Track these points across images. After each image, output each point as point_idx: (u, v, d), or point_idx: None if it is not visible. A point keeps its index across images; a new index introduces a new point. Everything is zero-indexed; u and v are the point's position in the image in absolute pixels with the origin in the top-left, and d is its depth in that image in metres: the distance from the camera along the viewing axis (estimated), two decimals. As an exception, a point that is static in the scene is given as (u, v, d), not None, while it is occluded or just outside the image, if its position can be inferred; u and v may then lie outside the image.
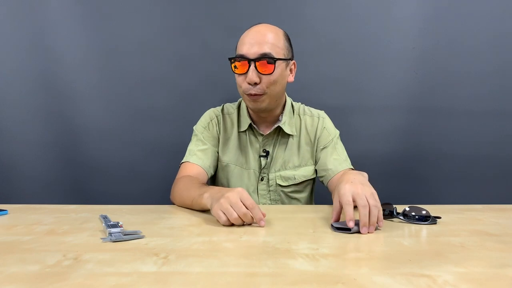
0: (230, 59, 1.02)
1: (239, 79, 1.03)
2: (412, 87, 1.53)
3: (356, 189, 0.74)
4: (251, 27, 1.04)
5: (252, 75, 0.98)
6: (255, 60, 0.98)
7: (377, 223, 0.72)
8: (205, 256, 0.55)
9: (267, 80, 1.00)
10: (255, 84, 1.00)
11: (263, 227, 0.75)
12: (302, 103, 1.23)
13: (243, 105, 1.16)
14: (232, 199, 0.74)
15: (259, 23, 1.05)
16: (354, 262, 0.54)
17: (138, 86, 1.50)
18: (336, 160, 1.12)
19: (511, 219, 0.86)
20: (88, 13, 1.46)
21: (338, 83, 1.53)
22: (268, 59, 0.98)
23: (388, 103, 1.54)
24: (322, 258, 0.55)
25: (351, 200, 0.73)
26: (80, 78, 1.47)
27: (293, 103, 1.20)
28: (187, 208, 0.95)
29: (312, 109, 1.21)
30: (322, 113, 1.21)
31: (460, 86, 1.53)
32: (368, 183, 0.79)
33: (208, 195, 0.82)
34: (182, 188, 0.98)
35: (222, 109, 1.19)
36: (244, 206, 0.74)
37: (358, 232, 0.70)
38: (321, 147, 1.15)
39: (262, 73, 0.99)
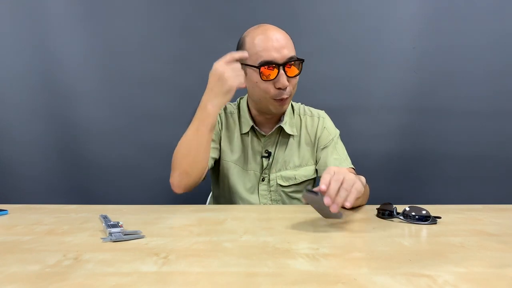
0: (255, 66, 1.00)
1: (266, 85, 1.01)
2: (412, 87, 1.53)
3: (340, 170, 0.74)
4: (258, 29, 1.03)
5: (284, 79, 0.99)
6: (284, 64, 0.99)
7: (345, 207, 0.72)
8: (205, 256, 0.55)
9: (293, 82, 1.03)
10: (285, 88, 1.01)
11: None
12: (302, 103, 1.23)
13: (243, 106, 1.16)
14: (219, 67, 0.94)
15: (263, 24, 1.04)
16: (354, 262, 0.54)
17: (138, 87, 1.50)
18: (337, 159, 1.12)
19: (511, 219, 0.86)
20: (88, 13, 1.46)
21: (338, 83, 1.53)
22: (295, 61, 1.00)
23: (388, 103, 1.54)
24: (322, 258, 0.55)
25: (332, 172, 0.73)
26: (80, 79, 1.48)
27: (293, 103, 1.20)
28: (193, 157, 0.97)
29: (312, 109, 1.21)
30: (322, 113, 1.21)
31: (460, 86, 1.53)
32: (356, 178, 0.77)
33: (200, 103, 0.98)
34: (178, 146, 1.00)
35: (225, 108, 1.19)
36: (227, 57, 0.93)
37: (322, 203, 0.70)
38: (322, 147, 1.15)
39: (291, 76, 1.00)
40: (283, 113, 1.13)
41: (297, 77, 1.03)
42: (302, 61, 1.02)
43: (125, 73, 1.49)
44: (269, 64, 0.98)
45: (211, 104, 0.96)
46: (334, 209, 0.69)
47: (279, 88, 1.00)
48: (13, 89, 1.46)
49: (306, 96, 1.29)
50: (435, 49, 1.51)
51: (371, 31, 1.51)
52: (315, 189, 0.72)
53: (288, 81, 1.00)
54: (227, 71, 0.94)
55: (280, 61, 0.98)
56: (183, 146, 0.99)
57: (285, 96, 1.02)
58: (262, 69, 0.99)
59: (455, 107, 1.54)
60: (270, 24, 1.05)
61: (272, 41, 0.99)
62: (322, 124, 1.17)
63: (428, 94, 1.53)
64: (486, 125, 1.55)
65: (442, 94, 1.54)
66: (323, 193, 0.70)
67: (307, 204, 0.78)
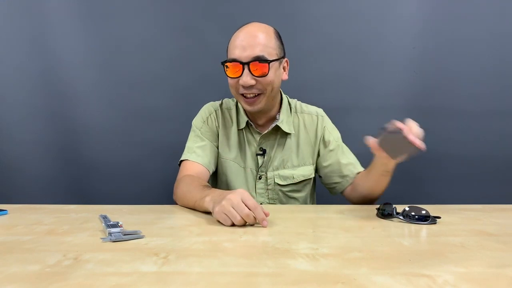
0: (222, 63, 1.03)
1: (233, 82, 1.03)
2: (412, 87, 1.53)
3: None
4: (241, 27, 1.04)
5: (247, 78, 0.99)
6: (249, 63, 0.98)
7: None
8: (205, 256, 0.55)
9: (263, 82, 1.01)
10: (251, 86, 1.01)
11: (265, 227, 0.74)
12: (298, 100, 1.23)
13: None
14: (234, 200, 0.74)
15: (249, 23, 1.05)
16: (354, 262, 0.54)
17: (138, 86, 1.50)
18: (351, 164, 1.14)
19: (511, 219, 0.86)
20: (88, 13, 1.45)
21: (338, 83, 1.53)
22: (261, 61, 0.99)
23: (388, 103, 1.54)
24: (322, 258, 0.55)
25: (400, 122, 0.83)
26: (80, 78, 1.47)
27: (289, 100, 1.20)
28: (190, 208, 0.94)
29: (309, 106, 1.21)
30: (320, 111, 1.21)
31: (460, 86, 1.53)
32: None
33: (210, 198, 0.82)
34: (184, 190, 0.97)
35: (221, 104, 1.20)
36: (246, 207, 0.73)
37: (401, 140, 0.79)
38: (329, 149, 1.15)
39: (257, 75, 1.00)
40: (278, 111, 1.13)
41: (268, 77, 1.00)
42: (268, 62, 0.99)
43: (125, 72, 1.49)
44: (233, 61, 1.00)
45: (212, 208, 0.80)
46: (418, 143, 0.78)
47: (244, 86, 1.01)
48: (13, 88, 1.46)
49: (306, 96, 1.29)
50: (435, 49, 1.51)
51: (371, 31, 1.51)
52: (390, 129, 0.82)
53: (255, 80, 1.00)
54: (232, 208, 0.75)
55: (244, 59, 0.99)
56: (182, 198, 0.97)
57: (249, 95, 1.03)
58: (227, 65, 1.02)
59: (455, 107, 1.54)
60: (262, 22, 1.05)
61: (240, 39, 1.00)
62: (322, 123, 1.17)
63: (428, 94, 1.53)
64: (486, 125, 1.54)
65: (442, 94, 1.54)
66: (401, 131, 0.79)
67: (380, 144, 0.85)
